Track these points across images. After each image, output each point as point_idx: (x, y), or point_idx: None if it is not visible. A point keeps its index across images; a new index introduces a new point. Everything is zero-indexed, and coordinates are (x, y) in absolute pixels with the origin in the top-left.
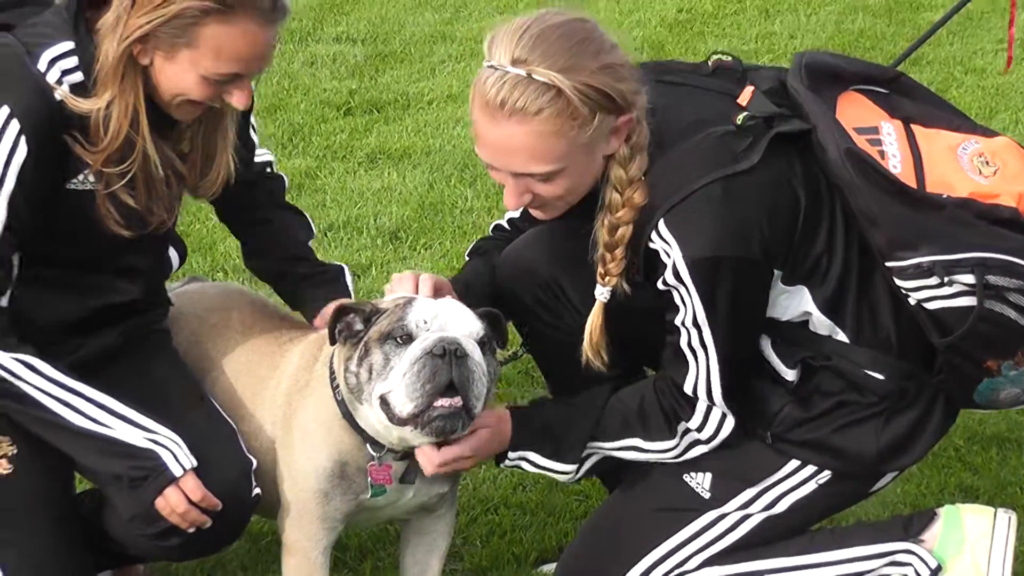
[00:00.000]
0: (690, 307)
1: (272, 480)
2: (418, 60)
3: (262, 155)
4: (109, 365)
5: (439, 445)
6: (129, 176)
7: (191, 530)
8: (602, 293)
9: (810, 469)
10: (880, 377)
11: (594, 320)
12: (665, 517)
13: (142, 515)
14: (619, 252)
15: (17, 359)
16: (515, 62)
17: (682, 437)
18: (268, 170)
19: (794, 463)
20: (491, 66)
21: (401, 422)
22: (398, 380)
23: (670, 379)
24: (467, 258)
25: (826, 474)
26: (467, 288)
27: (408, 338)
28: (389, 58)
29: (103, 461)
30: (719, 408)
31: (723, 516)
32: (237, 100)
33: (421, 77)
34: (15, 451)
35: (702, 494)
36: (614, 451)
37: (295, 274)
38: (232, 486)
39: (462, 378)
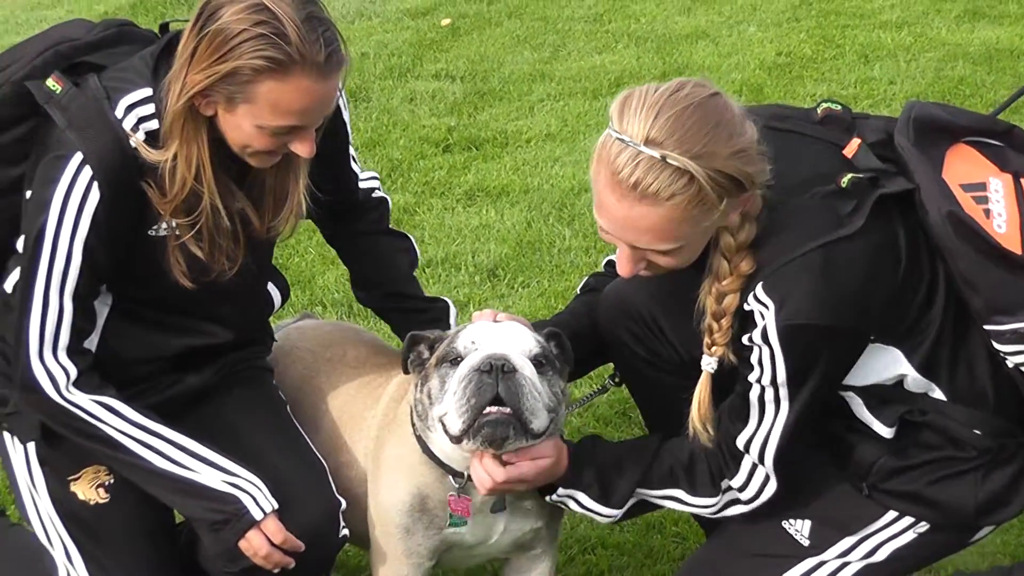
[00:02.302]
0: (769, 368)
1: (364, 514)
2: (516, 98)
3: (368, 180)
4: (203, 402)
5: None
6: (197, 227)
7: (275, 570)
8: (709, 364)
9: (908, 519)
10: (977, 433)
11: (701, 391)
12: (763, 563)
13: (226, 554)
14: (725, 322)
15: (97, 401)
16: (649, 142)
17: (723, 495)
18: (375, 194)
19: (893, 513)
20: (621, 139)
21: (456, 439)
22: (450, 400)
23: (725, 432)
24: (578, 292)
25: (924, 524)
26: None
27: (459, 359)
28: (488, 96)
29: (184, 503)
30: (764, 469)
31: (822, 564)
32: (300, 149)
33: (520, 115)
34: (111, 480)
35: (801, 541)
36: (655, 498)
37: (401, 311)
38: (317, 527)
39: (510, 392)
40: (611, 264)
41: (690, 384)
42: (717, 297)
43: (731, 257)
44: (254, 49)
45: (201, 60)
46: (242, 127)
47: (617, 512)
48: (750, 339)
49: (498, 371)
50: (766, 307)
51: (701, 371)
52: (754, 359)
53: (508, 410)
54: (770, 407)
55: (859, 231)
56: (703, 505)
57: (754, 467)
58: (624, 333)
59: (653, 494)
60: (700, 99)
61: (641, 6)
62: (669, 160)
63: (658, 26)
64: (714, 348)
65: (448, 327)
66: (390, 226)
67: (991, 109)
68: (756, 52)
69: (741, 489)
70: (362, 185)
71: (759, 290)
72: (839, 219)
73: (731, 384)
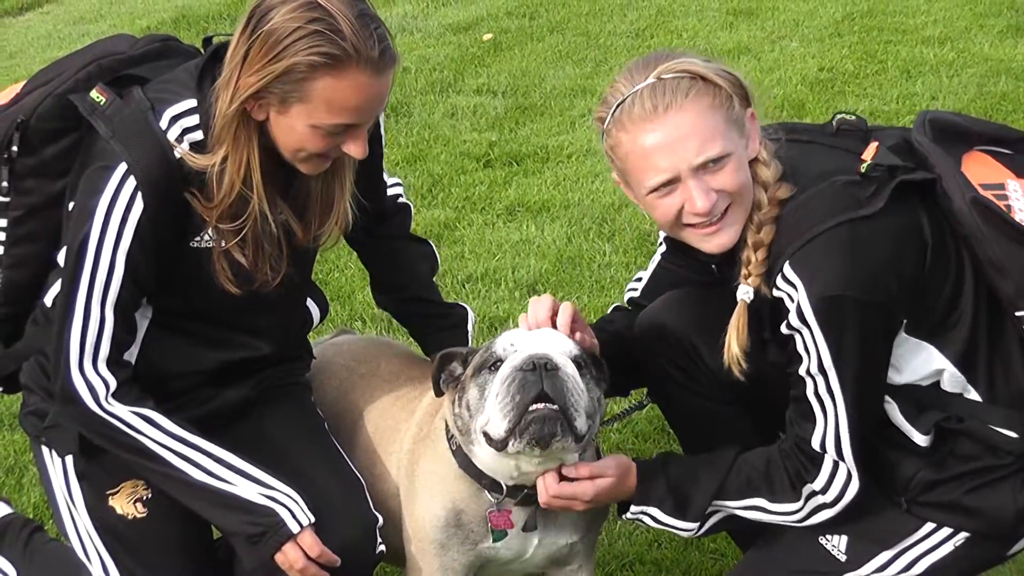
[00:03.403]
0: (814, 352)
1: (399, 528)
2: (558, 113)
3: (393, 186)
4: (242, 417)
5: (562, 479)
6: (243, 234)
7: None
8: (746, 292)
9: (946, 531)
10: (1014, 435)
11: (738, 320)
12: None
13: (262, 567)
14: (761, 254)
15: (136, 413)
16: (645, 78)
17: (807, 500)
18: (399, 200)
19: (930, 525)
20: (621, 103)
21: (502, 444)
22: (492, 404)
23: (796, 437)
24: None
25: (962, 536)
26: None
27: (498, 363)
28: (529, 111)
29: (221, 515)
30: (845, 465)
31: None
32: (352, 150)
33: (561, 130)
34: (149, 494)
35: (838, 556)
36: (738, 510)
37: (420, 316)
38: (354, 543)
39: (555, 388)
40: (632, 302)
41: (726, 408)
42: (757, 226)
43: (768, 185)
44: (309, 45)
45: (254, 62)
46: (295, 128)
47: (695, 525)
48: (788, 326)
49: (542, 369)
50: (795, 287)
51: (737, 386)
52: (799, 348)
53: (555, 406)
54: (827, 399)
55: (881, 211)
56: (786, 512)
57: (835, 465)
58: (661, 357)
59: (733, 505)
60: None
61: (683, 21)
62: (664, 75)
63: (700, 41)
64: (751, 279)
65: (466, 333)
66: (411, 232)
67: None
68: (798, 67)
69: (824, 491)
70: (390, 191)
71: (786, 269)
72: (859, 201)
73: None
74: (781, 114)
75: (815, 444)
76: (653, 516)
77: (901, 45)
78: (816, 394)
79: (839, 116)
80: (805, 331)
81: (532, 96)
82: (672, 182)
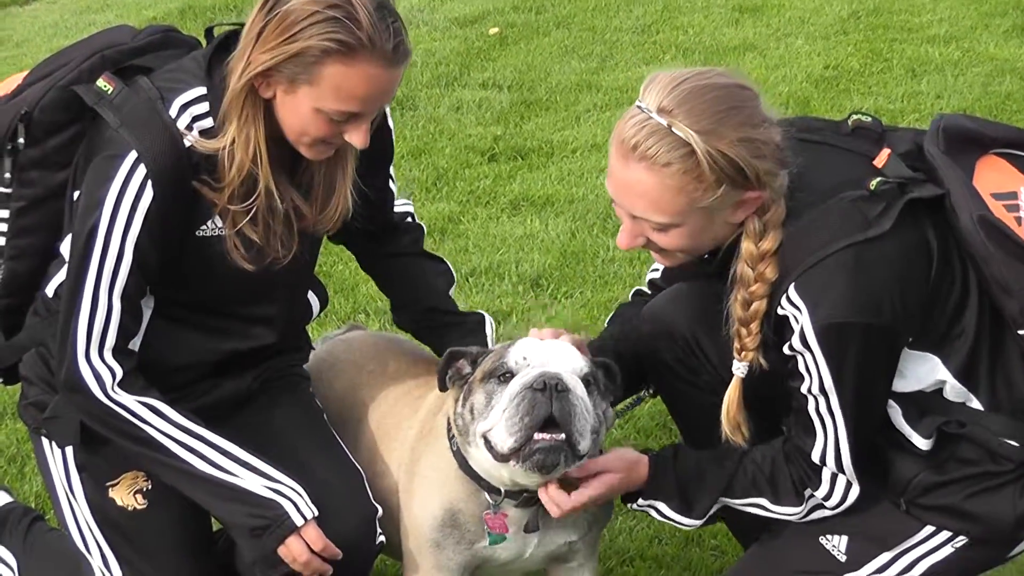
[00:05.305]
0: (816, 374)
1: (398, 524)
2: (563, 108)
3: (403, 205)
4: (243, 408)
5: (568, 490)
6: (252, 213)
7: None
8: (739, 368)
9: (946, 534)
10: (1015, 444)
11: (731, 395)
12: None
13: (264, 560)
14: (754, 327)
15: (143, 402)
16: (661, 110)
17: (807, 502)
18: (409, 220)
19: (930, 527)
20: (639, 106)
21: (503, 458)
22: (498, 416)
23: (797, 449)
24: (607, 325)
25: (962, 539)
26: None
27: (509, 375)
28: (534, 105)
29: (226, 508)
30: (845, 477)
31: None
32: (354, 139)
33: (566, 125)
34: (149, 486)
35: (838, 557)
36: (739, 506)
37: (439, 325)
38: (354, 535)
39: (563, 412)
40: (640, 292)
41: None
42: (743, 303)
43: (754, 265)
44: (325, 31)
45: (268, 40)
46: (300, 110)
47: (699, 521)
48: (791, 347)
49: (552, 390)
50: (799, 310)
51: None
52: (801, 368)
53: (561, 436)
54: (827, 417)
55: (888, 232)
56: (788, 513)
57: (835, 476)
58: (665, 353)
59: (736, 502)
60: (723, 83)
61: (689, 17)
62: (674, 129)
63: (706, 38)
64: (744, 353)
65: (485, 339)
66: (425, 250)
67: None
68: (804, 65)
69: (826, 498)
70: (398, 209)
71: (791, 292)
72: (867, 221)
73: (769, 389)
74: (786, 112)
75: (815, 458)
76: (659, 510)
77: (907, 43)
78: (817, 411)
79: (855, 117)
80: (807, 354)
81: (537, 91)
82: (616, 203)
